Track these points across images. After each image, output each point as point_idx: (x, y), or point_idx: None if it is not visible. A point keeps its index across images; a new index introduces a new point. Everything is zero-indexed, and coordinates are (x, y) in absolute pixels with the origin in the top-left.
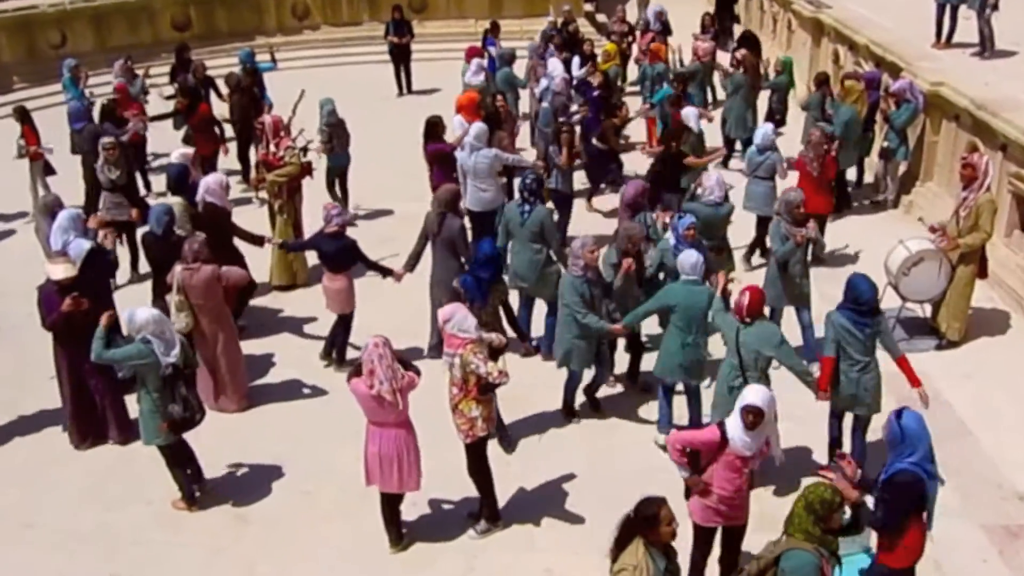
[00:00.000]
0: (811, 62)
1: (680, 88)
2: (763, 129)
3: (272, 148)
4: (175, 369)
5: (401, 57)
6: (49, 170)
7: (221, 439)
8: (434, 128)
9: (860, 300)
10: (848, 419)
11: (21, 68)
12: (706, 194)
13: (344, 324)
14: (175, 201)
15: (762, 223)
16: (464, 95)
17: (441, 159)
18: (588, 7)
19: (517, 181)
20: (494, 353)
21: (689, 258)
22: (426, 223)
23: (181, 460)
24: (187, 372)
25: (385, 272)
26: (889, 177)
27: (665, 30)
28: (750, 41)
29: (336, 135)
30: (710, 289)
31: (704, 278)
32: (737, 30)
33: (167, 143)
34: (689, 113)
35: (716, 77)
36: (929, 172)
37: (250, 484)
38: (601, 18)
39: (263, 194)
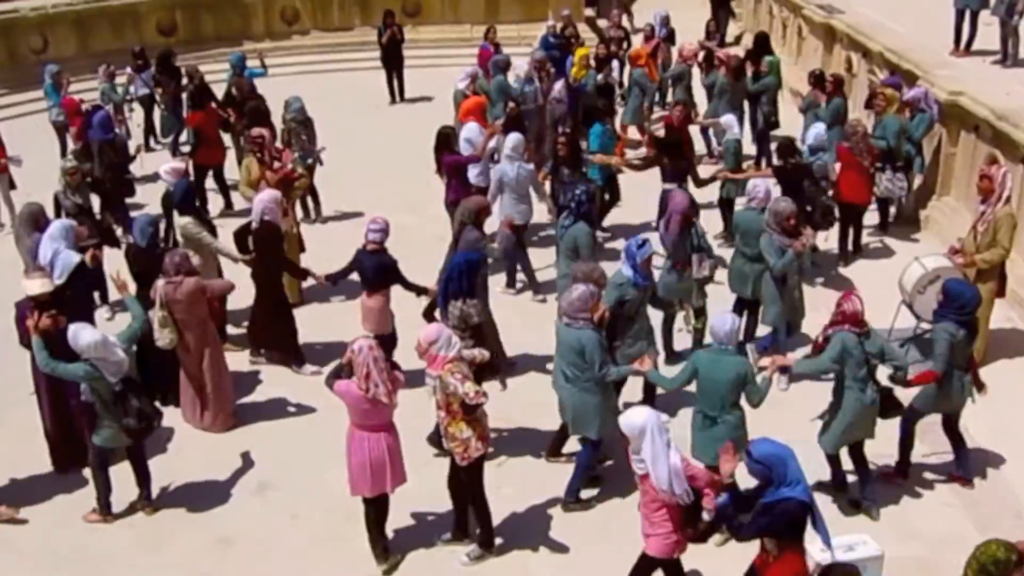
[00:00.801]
0: (822, 68)
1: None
2: (815, 130)
3: (280, 161)
4: (125, 384)
5: (394, 63)
6: (12, 184)
7: (205, 458)
8: (447, 139)
9: (968, 307)
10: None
11: (2, 74)
12: (749, 200)
13: (384, 345)
14: (185, 221)
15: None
16: (471, 100)
17: (461, 171)
18: (589, 12)
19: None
20: (478, 369)
21: (723, 324)
22: (454, 236)
23: (105, 465)
24: (139, 382)
25: (420, 291)
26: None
27: (670, 36)
28: (763, 44)
29: (300, 135)
30: (743, 361)
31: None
32: (733, 28)
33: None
34: (730, 120)
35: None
36: (946, 185)
37: (235, 505)
38: (603, 23)
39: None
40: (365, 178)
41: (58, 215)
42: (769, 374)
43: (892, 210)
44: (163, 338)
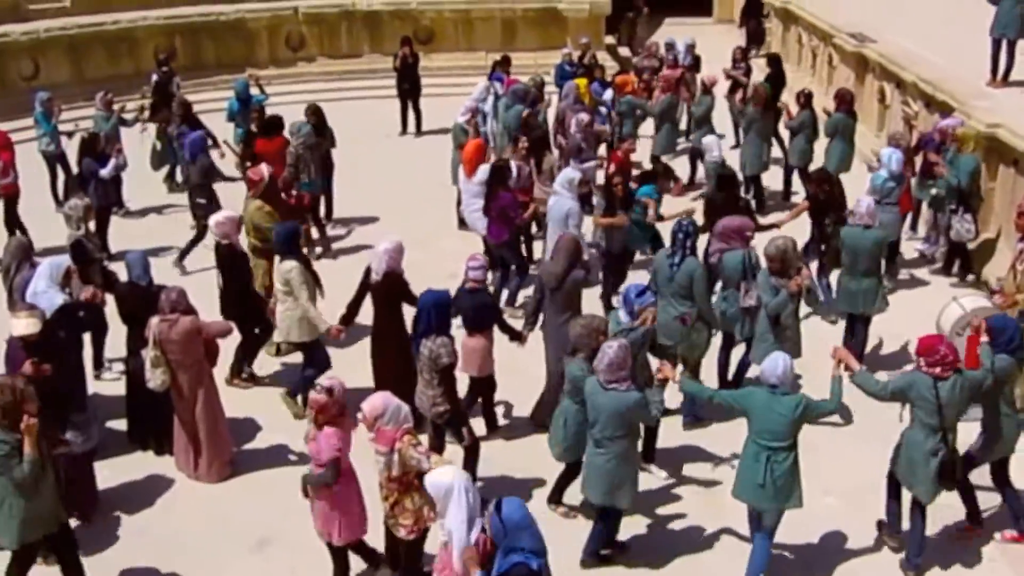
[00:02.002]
0: (854, 100)
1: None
2: (896, 155)
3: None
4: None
5: (408, 92)
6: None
7: (199, 512)
8: (503, 174)
9: (1015, 339)
10: None
11: None
12: (855, 218)
13: (484, 388)
14: (290, 267)
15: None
16: (472, 146)
17: (511, 212)
18: (610, 39)
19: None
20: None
21: (775, 368)
22: (542, 276)
23: None
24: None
25: (514, 335)
26: (940, 227)
27: (696, 64)
28: (776, 65)
29: (309, 161)
30: (800, 397)
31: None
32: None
33: (144, 184)
34: (711, 142)
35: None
36: (985, 222)
37: (231, 564)
38: (624, 51)
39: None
40: (371, 211)
41: (82, 262)
42: (835, 370)
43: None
44: (155, 379)
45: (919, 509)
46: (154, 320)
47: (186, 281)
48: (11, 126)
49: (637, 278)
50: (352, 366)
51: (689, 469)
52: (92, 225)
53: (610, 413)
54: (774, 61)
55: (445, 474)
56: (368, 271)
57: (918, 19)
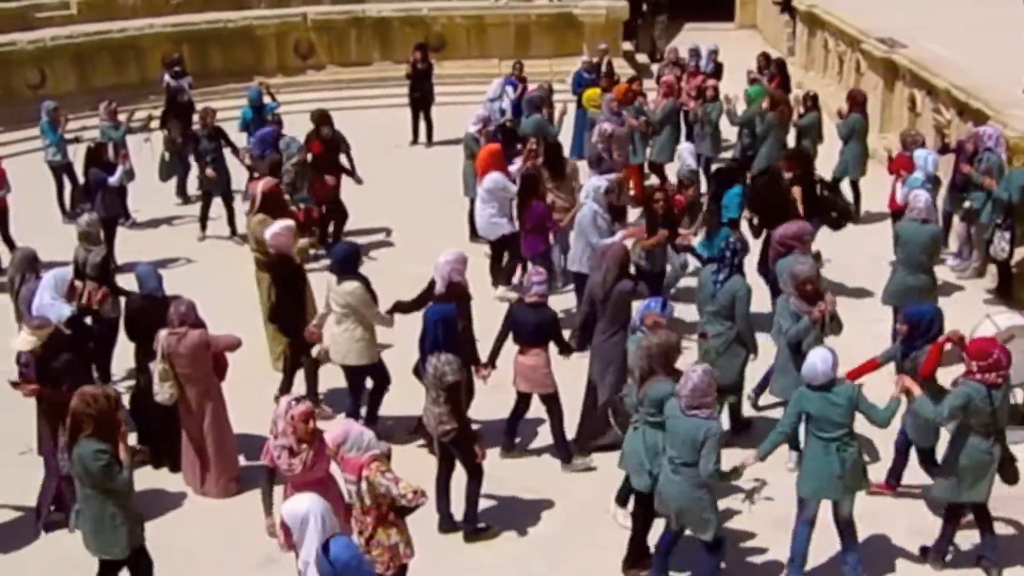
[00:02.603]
0: (883, 108)
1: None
2: (932, 156)
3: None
4: None
5: (419, 100)
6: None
7: (206, 527)
8: (535, 183)
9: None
10: None
11: None
12: (913, 213)
13: (554, 405)
14: (353, 287)
15: None
16: (487, 150)
17: (544, 223)
18: (627, 46)
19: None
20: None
21: (815, 373)
22: (590, 289)
23: None
24: None
25: (567, 350)
26: (973, 242)
27: (717, 71)
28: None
29: (300, 179)
30: (852, 387)
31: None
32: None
33: (148, 194)
34: (683, 149)
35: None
36: (1020, 237)
37: None
38: (641, 58)
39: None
40: (380, 223)
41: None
42: (897, 392)
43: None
44: (163, 392)
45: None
46: (163, 333)
47: (193, 293)
48: (17, 136)
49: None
50: (402, 387)
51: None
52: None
53: (687, 439)
54: (780, 65)
55: (301, 501)
56: (432, 283)
57: (951, 23)
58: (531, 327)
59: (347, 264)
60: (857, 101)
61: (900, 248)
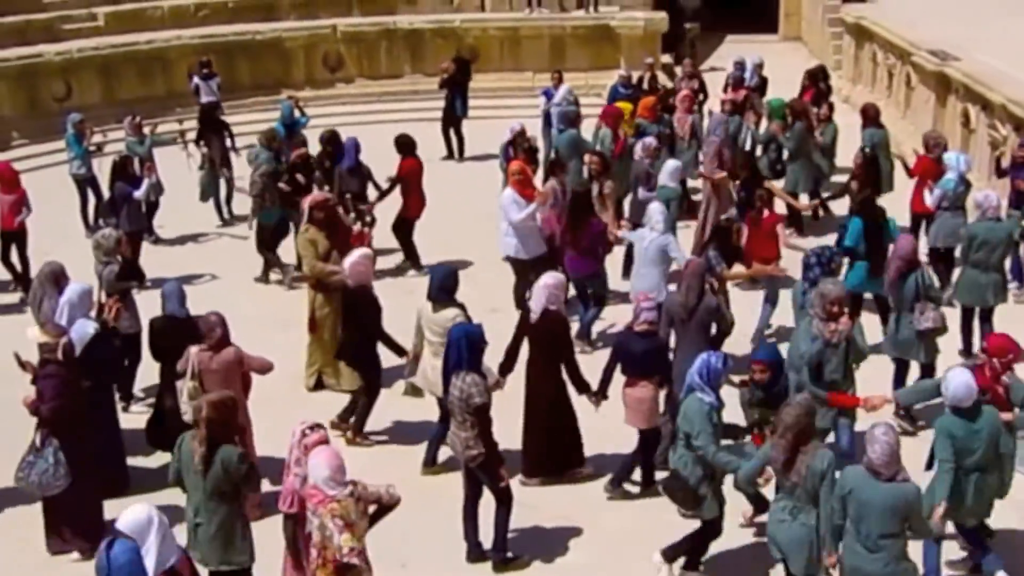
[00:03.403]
0: (935, 124)
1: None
2: (964, 157)
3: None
4: None
5: (453, 119)
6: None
7: None
8: (589, 200)
9: None
10: None
11: (21, 123)
12: (987, 212)
13: (652, 441)
14: (452, 316)
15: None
16: (515, 166)
17: (601, 240)
18: (667, 58)
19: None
20: (381, 510)
21: (959, 393)
22: (668, 309)
23: None
24: None
25: (664, 383)
26: None
27: (763, 85)
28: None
29: (271, 189)
30: (993, 412)
31: None
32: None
33: (177, 209)
34: (671, 168)
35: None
36: None
37: None
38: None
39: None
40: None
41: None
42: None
43: None
44: (191, 412)
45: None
46: (193, 350)
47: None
48: (42, 148)
49: None
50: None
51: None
52: (125, 252)
53: (885, 509)
54: (811, 75)
55: (140, 510)
56: (526, 310)
57: (1006, 35)
58: (639, 357)
59: (444, 290)
60: (870, 116)
61: (973, 248)
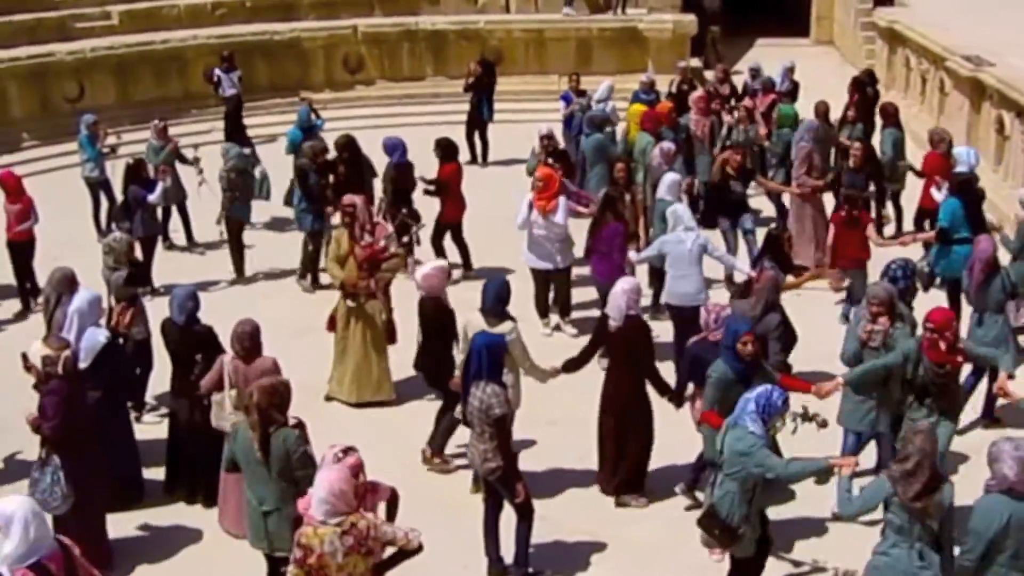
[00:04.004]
0: (969, 130)
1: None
2: (973, 151)
3: (369, 238)
4: None
5: (479, 122)
6: None
7: (232, 570)
8: (613, 203)
9: None
10: None
11: (32, 124)
12: None
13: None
14: (509, 327)
15: None
16: (542, 173)
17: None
18: (696, 62)
19: None
20: (400, 555)
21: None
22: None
23: None
24: None
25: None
26: None
27: (794, 90)
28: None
29: (241, 185)
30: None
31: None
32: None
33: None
34: (668, 180)
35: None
36: None
37: None
38: (710, 75)
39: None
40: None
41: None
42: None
43: None
44: (229, 421)
45: None
46: (227, 358)
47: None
48: (54, 150)
49: None
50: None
51: None
52: (139, 255)
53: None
54: (857, 83)
55: (11, 502)
56: (604, 317)
57: None
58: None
59: (499, 302)
60: (889, 113)
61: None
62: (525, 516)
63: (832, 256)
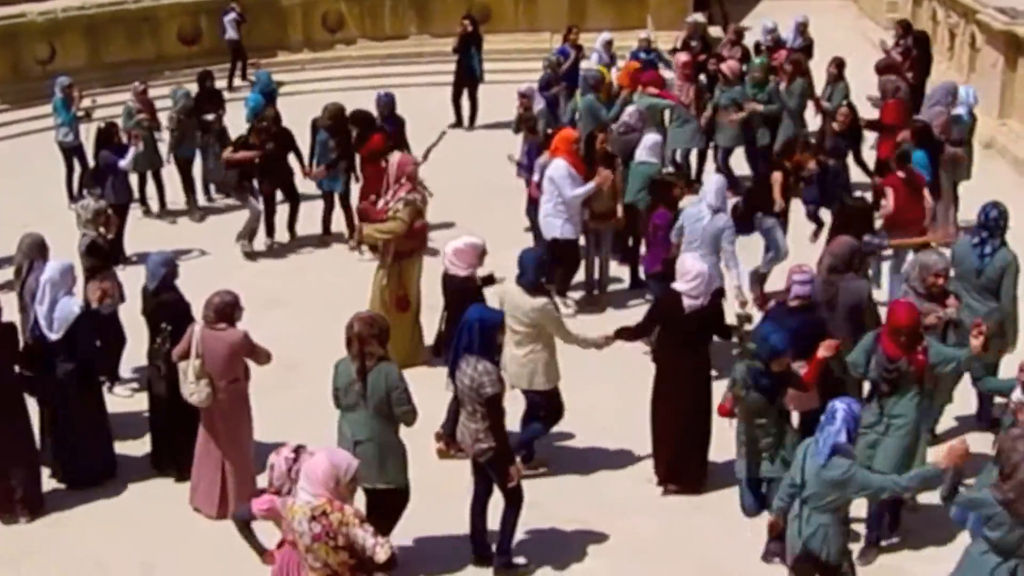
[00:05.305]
0: (1003, 89)
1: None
2: (971, 89)
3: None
4: None
5: (467, 80)
6: None
7: (212, 548)
8: (667, 188)
9: None
10: None
11: (2, 87)
12: None
13: (806, 426)
14: (542, 304)
15: None
16: (561, 136)
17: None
18: (700, 17)
19: None
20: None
21: None
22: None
23: None
24: None
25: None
26: None
27: (808, 48)
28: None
29: (186, 128)
30: None
31: None
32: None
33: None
34: (648, 142)
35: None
36: None
37: None
38: (715, 31)
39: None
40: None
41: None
42: None
43: None
44: (199, 392)
45: None
46: (197, 327)
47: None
48: (26, 114)
49: None
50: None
51: None
52: (111, 227)
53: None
54: (919, 41)
55: None
56: (669, 294)
57: None
58: (796, 334)
59: (536, 276)
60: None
61: None
62: (514, 503)
63: (892, 221)
